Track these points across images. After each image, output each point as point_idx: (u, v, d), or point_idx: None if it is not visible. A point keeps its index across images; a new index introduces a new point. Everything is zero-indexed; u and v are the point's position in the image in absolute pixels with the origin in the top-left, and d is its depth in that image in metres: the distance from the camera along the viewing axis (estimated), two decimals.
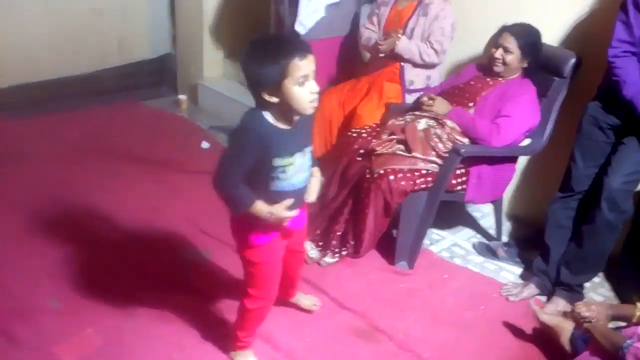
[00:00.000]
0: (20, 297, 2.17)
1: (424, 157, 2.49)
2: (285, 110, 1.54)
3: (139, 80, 4.38)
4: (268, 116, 1.55)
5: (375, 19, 3.14)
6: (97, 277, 2.31)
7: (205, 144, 3.54)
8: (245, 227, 1.70)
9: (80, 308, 2.14)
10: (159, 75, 4.52)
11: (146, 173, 3.15)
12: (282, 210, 1.64)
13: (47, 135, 3.49)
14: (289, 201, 1.65)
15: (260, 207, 1.61)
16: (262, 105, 1.54)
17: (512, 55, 2.54)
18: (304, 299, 2.20)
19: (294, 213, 1.68)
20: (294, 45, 1.51)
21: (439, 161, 2.50)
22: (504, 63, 2.56)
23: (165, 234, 2.63)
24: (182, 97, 4.19)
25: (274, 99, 1.50)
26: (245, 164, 1.56)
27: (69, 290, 2.22)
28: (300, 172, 1.64)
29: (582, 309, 1.80)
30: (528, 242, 2.73)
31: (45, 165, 3.13)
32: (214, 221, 2.70)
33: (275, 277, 1.83)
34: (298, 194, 1.69)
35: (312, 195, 1.76)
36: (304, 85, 1.48)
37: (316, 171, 1.78)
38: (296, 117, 1.59)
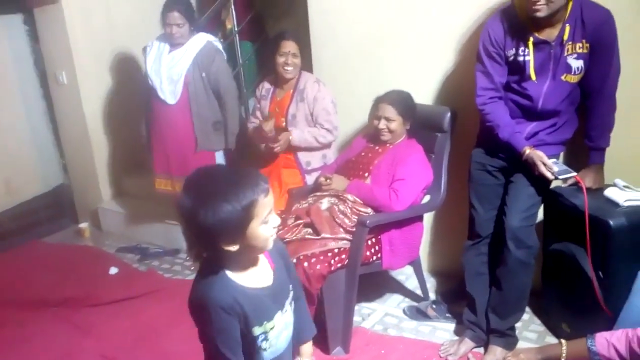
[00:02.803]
0: None
1: (333, 236, 2.48)
2: (245, 254, 1.29)
3: (35, 217, 4.18)
4: (231, 275, 1.28)
5: (258, 113, 3.20)
6: None
7: (113, 270, 3.38)
8: None
9: None
10: (56, 208, 4.33)
11: (53, 316, 2.92)
12: None
13: None
14: None
15: None
16: (218, 258, 1.28)
17: (395, 123, 2.64)
18: None
19: None
20: (254, 179, 1.24)
21: (349, 237, 2.49)
22: (390, 131, 2.65)
23: None
24: (84, 225, 4.03)
25: (234, 247, 1.24)
26: (237, 337, 1.28)
27: None
28: (283, 332, 1.38)
29: None
30: (456, 294, 2.73)
31: None
32: (132, 353, 2.54)
33: None
34: (285, 358, 1.43)
35: None
36: (268, 222, 1.27)
37: (308, 349, 1.53)
38: (266, 270, 1.37)
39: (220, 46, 3.20)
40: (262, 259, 1.38)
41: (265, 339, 1.33)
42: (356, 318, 2.66)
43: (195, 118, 3.11)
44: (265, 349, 1.34)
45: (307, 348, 1.52)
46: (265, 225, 1.26)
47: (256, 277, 1.34)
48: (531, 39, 2.18)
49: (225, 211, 1.18)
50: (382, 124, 2.64)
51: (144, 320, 2.81)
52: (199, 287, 1.28)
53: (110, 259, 3.57)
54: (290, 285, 1.44)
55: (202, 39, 3.12)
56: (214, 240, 1.22)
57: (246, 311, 1.27)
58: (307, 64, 3.12)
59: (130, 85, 4.07)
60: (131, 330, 2.74)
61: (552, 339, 2.43)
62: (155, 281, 3.25)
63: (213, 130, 3.18)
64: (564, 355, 1.71)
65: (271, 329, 1.33)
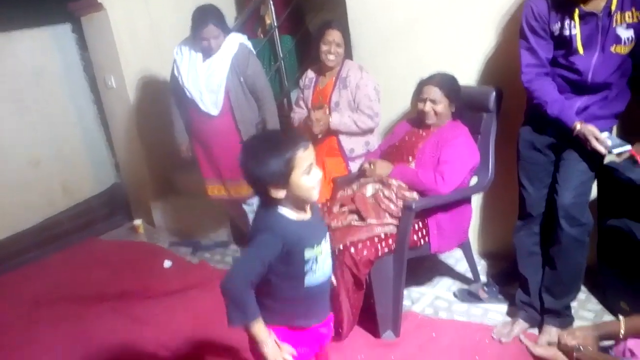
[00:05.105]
0: None
1: (379, 222, 2.47)
2: (293, 201, 1.53)
3: (92, 216, 4.35)
4: (284, 211, 1.53)
5: (302, 102, 3.22)
6: None
7: (167, 263, 3.49)
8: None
9: None
10: (110, 206, 4.49)
11: (112, 309, 3.04)
12: (285, 352, 1.54)
13: (6, 297, 3.37)
14: (290, 350, 1.56)
15: (261, 328, 1.50)
16: (272, 201, 1.52)
17: (441, 105, 2.60)
18: None
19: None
20: (295, 138, 1.53)
21: (395, 222, 2.48)
22: (435, 114, 2.61)
23: None
24: (138, 222, 4.16)
25: (281, 194, 1.48)
26: (263, 264, 1.48)
27: None
28: (327, 258, 1.62)
29: (567, 338, 1.73)
30: (507, 276, 2.69)
31: (7, 328, 3.00)
32: (188, 342, 2.61)
33: None
34: (328, 285, 1.66)
35: None
36: (310, 173, 1.50)
37: None
38: (307, 206, 1.58)
39: (250, 45, 3.13)
40: None
41: (316, 262, 1.55)
42: (406, 302, 2.66)
43: (241, 125, 3.05)
44: (314, 271, 1.56)
45: None
46: (307, 176, 1.49)
47: (300, 214, 1.56)
48: (577, 11, 2.11)
49: (270, 162, 1.45)
50: (428, 107, 2.60)
51: (199, 310, 2.89)
52: (260, 220, 1.55)
53: (164, 253, 3.68)
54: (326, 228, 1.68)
55: (235, 42, 3.02)
56: (264, 188, 1.48)
57: (300, 235, 1.51)
58: (347, 52, 3.12)
59: None
60: (187, 320, 2.82)
61: (610, 318, 2.36)
62: (207, 272, 3.34)
63: (256, 131, 3.12)
64: (622, 330, 1.66)
65: (320, 253, 1.56)
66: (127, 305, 3.05)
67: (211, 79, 2.99)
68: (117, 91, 4.09)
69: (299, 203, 1.54)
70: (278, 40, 4.03)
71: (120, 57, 3.95)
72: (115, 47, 3.92)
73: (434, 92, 2.59)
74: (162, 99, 4.03)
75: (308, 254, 1.52)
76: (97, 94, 4.35)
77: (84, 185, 4.43)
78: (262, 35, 4.18)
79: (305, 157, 1.48)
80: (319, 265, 1.56)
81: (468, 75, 2.82)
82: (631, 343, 1.66)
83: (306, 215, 1.57)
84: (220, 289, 1.49)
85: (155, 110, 4.11)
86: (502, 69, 2.71)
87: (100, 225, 4.29)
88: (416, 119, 2.75)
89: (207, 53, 3.00)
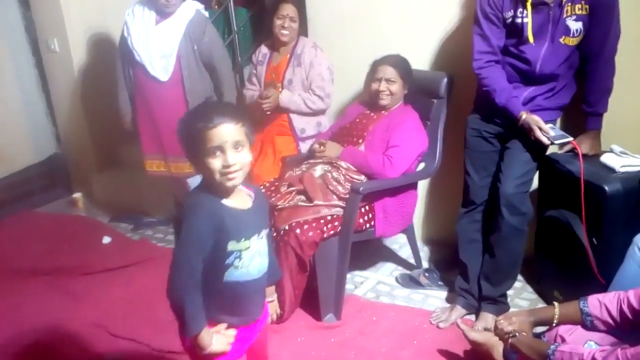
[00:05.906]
0: None
1: (326, 203, 2.45)
2: (209, 181, 1.37)
3: (29, 187, 4.13)
4: (213, 195, 1.37)
5: (254, 79, 3.15)
6: None
7: (106, 239, 3.36)
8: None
9: None
10: (49, 177, 4.28)
11: (48, 285, 2.90)
12: (226, 341, 1.41)
13: None
14: (232, 332, 1.44)
15: (206, 336, 1.36)
16: (204, 180, 1.40)
17: (395, 85, 2.58)
18: None
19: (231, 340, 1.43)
20: (212, 112, 1.34)
21: (342, 204, 2.46)
22: (390, 93, 2.59)
23: (74, 347, 2.40)
24: (77, 195, 4.00)
25: (194, 167, 1.39)
26: (203, 253, 1.33)
27: None
28: (257, 258, 1.44)
29: (503, 324, 1.76)
30: (448, 263, 2.73)
31: None
32: (124, 321, 2.53)
33: None
34: (255, 286, 1.46)
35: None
36: (215, 156, 1.32)
37: (271, 292, 1.64)
38: (247, 193, 1.45)
39: (207, 14, 3.01)
40: (241, 190, 1.45)
41: (239, 257, 1.38)
42: (349, 286, 2.66)
43: (189, 95, 2.88)
44: (237, 267, 1.39)
45: (270, 290, 1.64)
46: (210, 157, 1.33)
47: (235, 201, 1.40)
48: (529, 0, 2.13)
49: (184, 132, 1.36)
50: (383, 86, 2.58)
51: (136, 288, 2.80)
52: (189, 201, 1.39)
53: (104, 229, 3.55)
54: (267, 222, 1.54)
55: (191, 8, 2.88)
56: (185, 150, 1.38)
57: (226, 223, 1.34)
58: (302, 30, 3.05)
59: None
60: (124, 298, 2.73)
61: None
62: (148, 250, 3.24)
63: None
64: (556, 316, 1.70)
65: (246, 248, 1.39)
66: (62, 281, 2.92)
67: (163, 42, 2.83)
68: (60, 55, 3.88)
69: (215, 185, 1.36)
70: (233, 13, 3.92)
71: (65, 19, 3.75)
72: (61, 8, 3.72)
73: (390, 72, 2.58)
74: (108, 67, 3.84)
75: (231, 246, 1.36)
76: (38, 57, 4.11)
77: (21, 153, 4.19)
78: (216, 7, 4.06)
79: (212, 136, 1.30)
80: (244, 262, 1.39)
81: (421, 60, 2.81)
82: (562, 329, 1.70)
83: (240, 204, 1.40)
84: (169, 302, 1.35)
85: (101, 78, 3.92)
86: (455, 55, 2.71)
87: (38, 197, 4.08)
88: (368, 100, 2.73)
89: (162, 14, 2.84)
